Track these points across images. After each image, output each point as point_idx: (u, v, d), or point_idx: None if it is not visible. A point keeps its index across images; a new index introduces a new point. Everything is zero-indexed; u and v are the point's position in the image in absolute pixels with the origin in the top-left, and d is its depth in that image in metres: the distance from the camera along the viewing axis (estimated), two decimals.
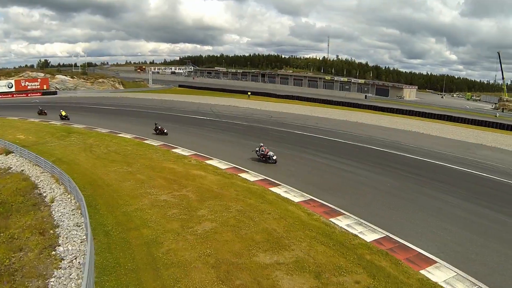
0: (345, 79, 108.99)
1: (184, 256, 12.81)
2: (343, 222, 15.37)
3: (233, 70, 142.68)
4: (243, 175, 21.95)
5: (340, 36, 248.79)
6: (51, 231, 15.35)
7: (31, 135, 34.17)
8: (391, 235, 14.28)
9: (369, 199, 18.64)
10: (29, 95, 79.97)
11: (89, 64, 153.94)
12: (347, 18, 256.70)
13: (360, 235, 14.17)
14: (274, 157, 24.76)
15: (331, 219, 15.59)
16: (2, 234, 15.46)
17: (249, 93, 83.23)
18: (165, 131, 34.69)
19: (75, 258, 13.21)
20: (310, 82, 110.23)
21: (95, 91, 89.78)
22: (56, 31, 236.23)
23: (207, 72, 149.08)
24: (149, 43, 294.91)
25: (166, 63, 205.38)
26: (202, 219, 15.90)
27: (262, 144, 25.61)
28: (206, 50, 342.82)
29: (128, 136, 33.67)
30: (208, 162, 25.03)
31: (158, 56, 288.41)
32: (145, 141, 31.48)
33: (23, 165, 25.50)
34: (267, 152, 24.93)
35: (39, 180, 22.34)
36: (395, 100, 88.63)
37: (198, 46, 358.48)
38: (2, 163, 26.60)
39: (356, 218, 15.82)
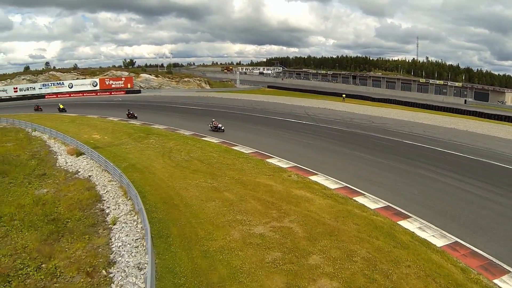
0: (441, 82, 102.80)
1: None
2: None
3: (323, 72, 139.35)
4: (359, 199, 18.19)
5: (427, 37, 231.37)
6: (103, 272, 11.65)
7: (107, 135, 32.93)
8: None
9: None
10: (112, 93, 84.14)
11: (176, 65, 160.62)
12: (433, 18, 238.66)
13: None
14: (222, 128, 34.36)
15: (495, 281, 11.62)
16: (43, 265, 12.26)
17: (343, 95, 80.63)
18: (135, 115, 42.53)
19: None
20: (404, 85, 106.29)
21: (180, 90, 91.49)
22: (143, 33, 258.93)
23: (296, 73, 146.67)
24: (235, 44, 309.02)
25: (252, 64, 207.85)
26: (316, 272, 11.68)
27: (214, 120, 35.37)
28: (292, 52, 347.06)
29: (214, 140, 30.55)
30: (312, 178, 21.21)
31: (245, 57, 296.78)
32: (234, 148, 27.97)
33: (92, 170, 23.32)
34: (217, 125, 34.49)
35: (105, 190, 19.57)
36: (498, 106, 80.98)
37: (284, 48, 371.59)
38: (71, 165, 24.84)
39: None
